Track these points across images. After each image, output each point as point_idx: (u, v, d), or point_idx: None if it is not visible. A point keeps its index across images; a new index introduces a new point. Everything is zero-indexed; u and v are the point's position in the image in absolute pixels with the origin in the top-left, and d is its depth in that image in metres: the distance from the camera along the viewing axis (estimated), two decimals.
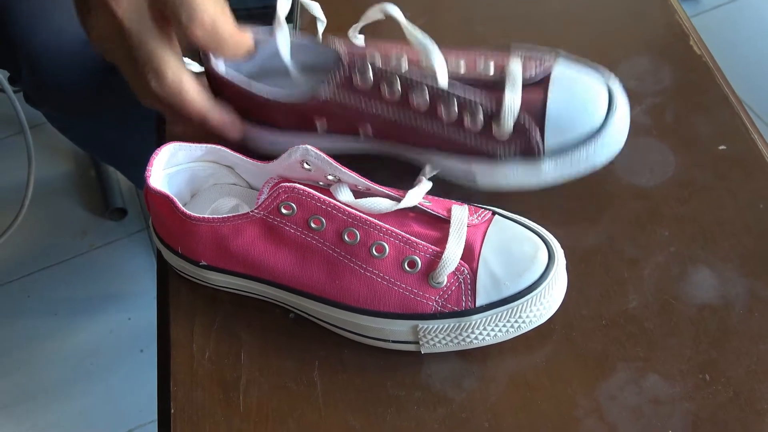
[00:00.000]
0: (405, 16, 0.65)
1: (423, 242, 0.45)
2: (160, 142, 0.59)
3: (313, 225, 0.45)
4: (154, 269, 0.53)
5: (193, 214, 0.46)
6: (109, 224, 1.38)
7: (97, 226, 1.38)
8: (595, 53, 0.61)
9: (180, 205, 0.46)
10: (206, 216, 0.46)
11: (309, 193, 0.44)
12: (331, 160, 0.46)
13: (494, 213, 0.48)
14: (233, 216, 0.46)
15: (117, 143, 1.02)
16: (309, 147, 0.45)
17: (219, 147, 0.50)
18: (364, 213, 0.45)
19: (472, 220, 0.46)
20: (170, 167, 0.50)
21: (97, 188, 1.40)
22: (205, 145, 0.50)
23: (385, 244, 0.44)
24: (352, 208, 0.45)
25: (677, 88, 0.58)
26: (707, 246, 0.50)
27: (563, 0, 0.65)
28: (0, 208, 1.38)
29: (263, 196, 0.46)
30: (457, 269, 0.44)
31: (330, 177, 0.47)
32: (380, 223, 0.45)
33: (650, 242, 0.50)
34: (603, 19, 0.63)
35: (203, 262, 0.48)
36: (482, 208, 0.48)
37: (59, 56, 0.79)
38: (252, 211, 0.45)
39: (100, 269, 1.33)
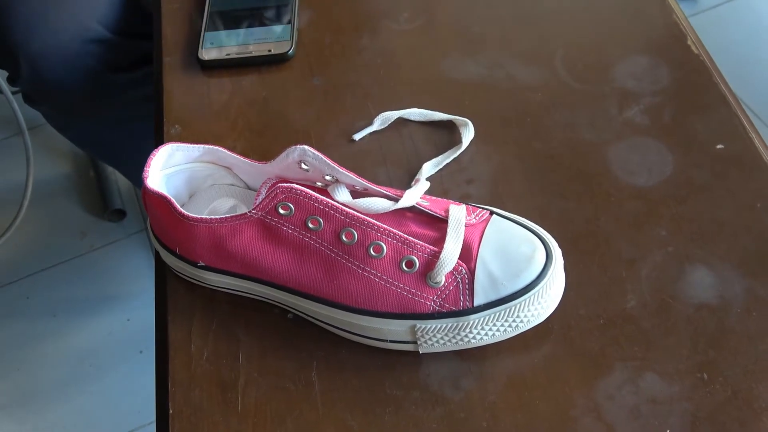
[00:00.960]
0: (402, 17, 0.65)
1: (421, 242, 0.45)
2: (159, 142, 0.59)
3: (310, 225, 0.45)
4: (153, 270, 0.53)
5: (190, 214, 0.46)
6: (108, 225, 1.37)
7: (96, 227, 1.38)
8: (592, 53, 0.61)
9: (178, 206, 0.46)
10: (204, 216, 0.46)
11: (306, 193, 0.44)
12: (328, 161, 0.46)
13: (492, 213, 0.48)
14: (231, 216, 0.46)
15: (116, 142, 1.02)
16: (306, 147, 0.46)
17: (217, 148, 0.50)
18: (361, 213, 0.45)
19: (469, 219, 0.46)
20: (168, 168, 0.50)
21: (96, 189, 1.40)
22: (203, 145, 0.50)
23: (383, 244, 0.44)
24: (349, 208, 0.45)
25: (675, 88, 0.58)
26: (705, 246, 0.50)
27: (561, 0, 0.65)
28: None
29: (261, 197, 0.46)
30: (455, 269, 0.44)
31: (328, 177, 0.47)
32: (378, 223, 0.45)
33: (648, 242, 0.50)
34: (601, 19, 0.63)
35: (201, 263, 0.48)
36: (480, 207, 0.48)
37: (58, 56, 0.79)
38: (250, 212, 0.45)
39: (99, 270, 1.33)
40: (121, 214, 1.37)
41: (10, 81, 0.87)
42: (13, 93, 0.79)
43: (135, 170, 1.11)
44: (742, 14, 1.57)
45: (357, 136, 0.57)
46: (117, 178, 1.39)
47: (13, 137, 1.50)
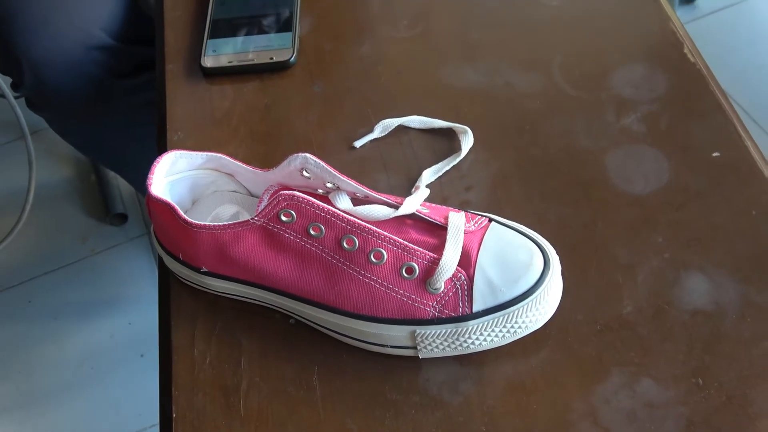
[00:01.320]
0: (401, 25, 0.66)
1: (421, 249, 0.45)
2: (161, 149, 0.60)
3: (312, 232, 0.45)
4: (155, 274, 0.54)
5: (194, 221, 0.47)
6: (110, 229, 1.38)
7: (98, 231, 1.38)
8: (590, 61, 0.62)
9: (181, 213, 0.47)
10: (207, 223, 0.47)
11: (308, 200, 0.45)
12: (329, 168, 0.46)
13: (491, 220, 0.48)
14: (234, 223, 0.46)
15: (118, 147, 1.03)
16: (308, 155, 0.46)
17: (220, 155, 0.50)
18: (362, 220, 0.46)
19: (468, 226, 0.47)
20: (171, 175, 0.51)
21: (97, 194, 1.41)
22: (206, 153, 0.50)
23: (384, 251, 0.45)
24: (350, 215, 0.46)
25: (671, 96, 0.59)
26: (701, 252, 0.51)
27: (559, 8, 0.65)
28: (1, 213, 1.38)
29: (263, 204, 0.47)
30: (454, 275, 0.45)
31: (329, 185, 0.47)
32: (378, 230, 0.45)
33: (645, 248, 0.51)
34: (598, 27, 0.64)
35: (204, 269, 0.48)
36: (479, 215, 0.49)
37: (61, 63, 0.80)
38: (252, 219, 0.46)
39: (100, 274, 1.34)
40: (122, 218, 1.37)
41: (14, 87, 0.88)
42: (16, 98, 0.80)
43: (137, 174, 1.12)
44: (741, 19, 1.58)
45: (358, 144, 0.58)
46: (119, 183, 1.40)
47: (15, 141, 1.51)
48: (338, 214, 0.45)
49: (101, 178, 1.40)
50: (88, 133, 0.98)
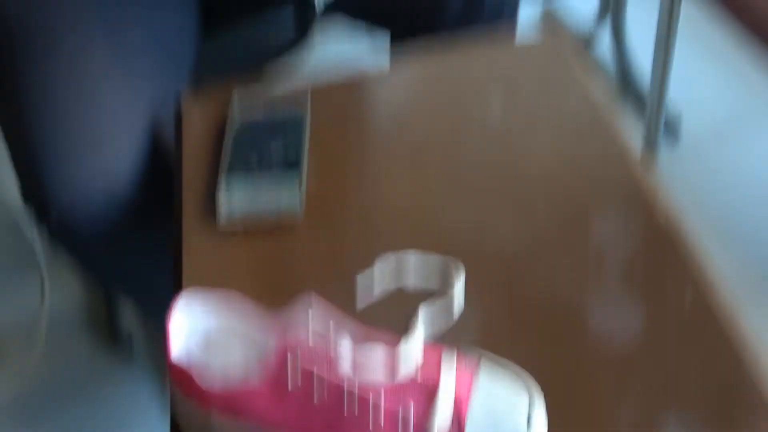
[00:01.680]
0: (397, 168, 0.71)
1: (415, 404, 0.49)
2: (176, 291, 0.64)
3: (315, 383, 0.49)
4: (162, 403, 0.57)
5: (208, 385, 0.51)
6: (118, 358, 1.40)
7: (106, 360, 1.40)
8: (565, 216, 0.67)
9: (200, 381, 0.51)
10: (218, 382, 0.51)
11: (312, 353, 0.49)
12: (332, 310, 0.51)
13: (480, 357, 0.53)
14: (242, 376, 0.51)
15: (133, 276, 1.06)
16: (313, 296, 0.51)
17: (232, 295, 0.55)
18: (361, 377, 0.50)
19: (459, 368, 0.51)
20: (186, 316, 0.55)
21: (107, 323, 1.43)
22: (218, 294, 0.55)
23: (381, 407, 0.49)
24: (350, 372, 0.50)
25: (643, 251, 0.64)
26: (677, 396, 0.54)
27: (539, 166, 0.71)
28: (10, 341, 1.40)
29: (269, 352, 0.51)
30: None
31: (332, 324, 0.52)
32: (376, 385, 0.49)
33: (624, 392, 0.55)
34: (573, 183, 0.70)
35: (214, 410, 0.52)
36: (469, 352, 0.53)
37: (87, 211, 0.84)
38: (259, 368, 0.50)
39: (108, 403, 1.34)
40: (130, 346, 1.39)
41: (37, 217, 0.90)
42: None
43: (149, 299, 1.14)
44: (725, 152, 1.61)
45: (360, 305, 0.62)
46: (128, 311, 1.42)
47: (28, 268, 1.54)
48: (339, 369, 0.49)
49: (111, 307, 1.43)
50: (103, 265, 1.01)
